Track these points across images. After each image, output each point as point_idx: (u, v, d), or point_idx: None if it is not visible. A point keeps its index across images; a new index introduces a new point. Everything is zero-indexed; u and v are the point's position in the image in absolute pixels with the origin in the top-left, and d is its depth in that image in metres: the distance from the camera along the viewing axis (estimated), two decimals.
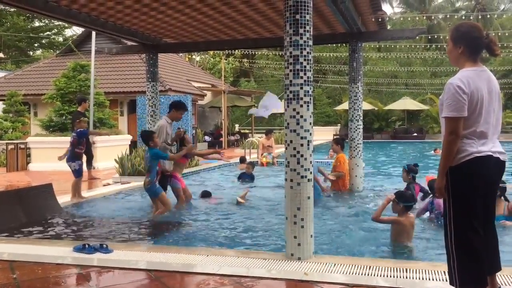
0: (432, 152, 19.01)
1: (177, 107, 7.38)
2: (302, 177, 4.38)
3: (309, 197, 4.40)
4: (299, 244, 4.33)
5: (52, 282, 4.03)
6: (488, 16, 36.30)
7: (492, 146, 3.10)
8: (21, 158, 13.61)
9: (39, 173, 12.66)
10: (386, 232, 5.49)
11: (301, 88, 4.40)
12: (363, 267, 4.06)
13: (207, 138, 23.65)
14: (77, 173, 8.19)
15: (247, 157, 14.57)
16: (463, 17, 36.95)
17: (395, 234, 5.24)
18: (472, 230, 3.04)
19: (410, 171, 7.25)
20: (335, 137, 8.92)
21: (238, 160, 13.18)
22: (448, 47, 3.29)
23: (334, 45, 33.65)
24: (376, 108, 31.78)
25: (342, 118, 32.88)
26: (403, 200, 5.12)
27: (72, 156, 8.22)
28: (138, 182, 10.00)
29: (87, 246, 4.72)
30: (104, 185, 9.98)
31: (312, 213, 4.44)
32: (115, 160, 10.83)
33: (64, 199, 7.90)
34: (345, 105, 28.72)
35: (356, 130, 9.20)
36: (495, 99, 3.14)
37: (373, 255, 4.91)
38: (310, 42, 4.45)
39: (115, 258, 4.47)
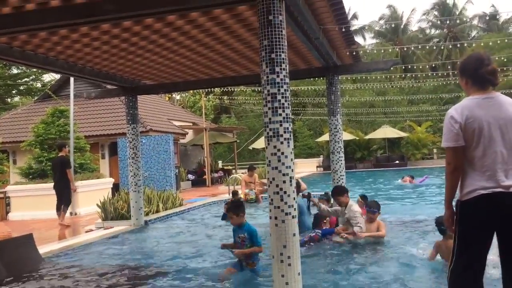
0: (399, 180, 18.60)
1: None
2: (286, 214, 4.35)
3: (294, 234, 4.36)
4: (286, 283, 4.26)
5: None
6: (458, 45, 37.38)
7: (503, 180, 2.90)
8: (0, 208, 13.31)
9: (19, 222, 12.36)
10: (375, 269, 5.41)
11: (281, 125, 4.43)
12: None
13: (190, 176, 23.54)
14: None
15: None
16: (434, 47, 38.00)
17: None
18: (467, 268, 2.95)
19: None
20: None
21: (222, 198, 12.82)
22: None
23: (312, 78, 34.26)
24: (357, 138, 32.08)
25: (324, 149, 33.10)
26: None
27: None
28: (121, 227, 9.84)
29: None
30: (87, 231, 9.77)
31: (298, 250, 4.39)
32: (97, 205, 10.65)
33: (45, 248, 7.68)
34: (326, 137, 28.97)
35: (338, 162, 9.24)
36: (510, 126, 2.94)
37: None
38: (287, 80, 4.52)
39: None
